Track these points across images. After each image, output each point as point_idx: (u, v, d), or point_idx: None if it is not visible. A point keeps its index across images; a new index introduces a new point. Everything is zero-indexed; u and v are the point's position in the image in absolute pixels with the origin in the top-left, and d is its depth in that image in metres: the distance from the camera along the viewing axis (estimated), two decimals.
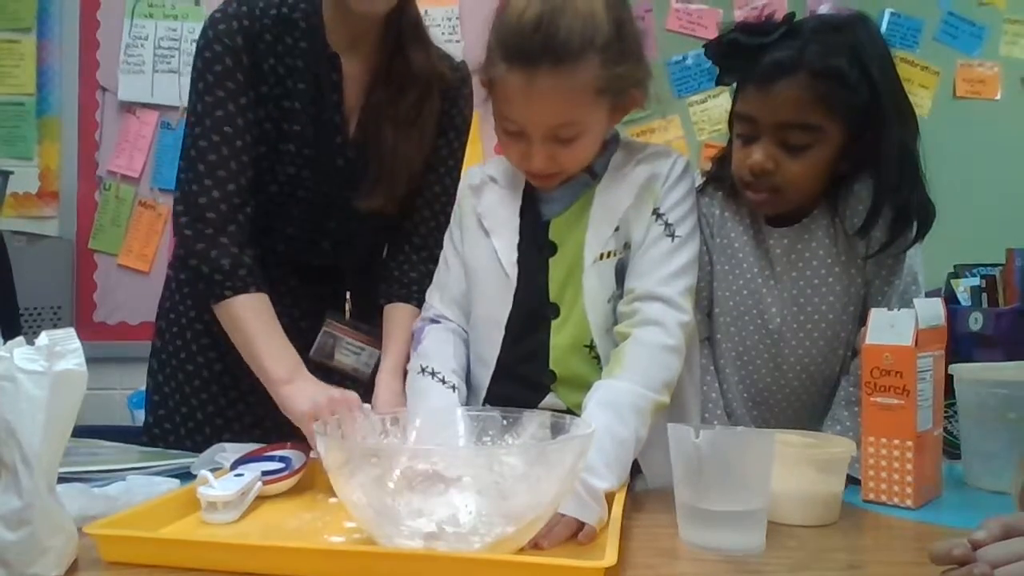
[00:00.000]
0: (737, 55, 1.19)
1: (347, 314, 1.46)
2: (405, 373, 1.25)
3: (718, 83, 1.33)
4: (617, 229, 1.15)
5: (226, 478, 0.98)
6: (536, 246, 1.18)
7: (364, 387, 1.39)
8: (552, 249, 1.18)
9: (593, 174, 1.19)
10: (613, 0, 1.08)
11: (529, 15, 1.04)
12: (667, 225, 1.15)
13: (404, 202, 1.38)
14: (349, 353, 1.38)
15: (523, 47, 1.04)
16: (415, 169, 1.35)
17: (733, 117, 1.24)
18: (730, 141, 1.28)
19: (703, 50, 1.27)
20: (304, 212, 1.35)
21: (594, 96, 1.08)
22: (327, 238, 1.38)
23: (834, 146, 1.18)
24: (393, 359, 1.28)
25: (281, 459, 1.08)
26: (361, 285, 1.47)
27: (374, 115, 1.33)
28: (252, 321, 1.23)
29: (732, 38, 1.19)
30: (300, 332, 1.35)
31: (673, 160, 1.19)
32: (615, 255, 1.15)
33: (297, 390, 1.16)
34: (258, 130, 1.29)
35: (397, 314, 1.35)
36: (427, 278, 1.33)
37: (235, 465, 1.05)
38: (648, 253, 1.14)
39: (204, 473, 0.96)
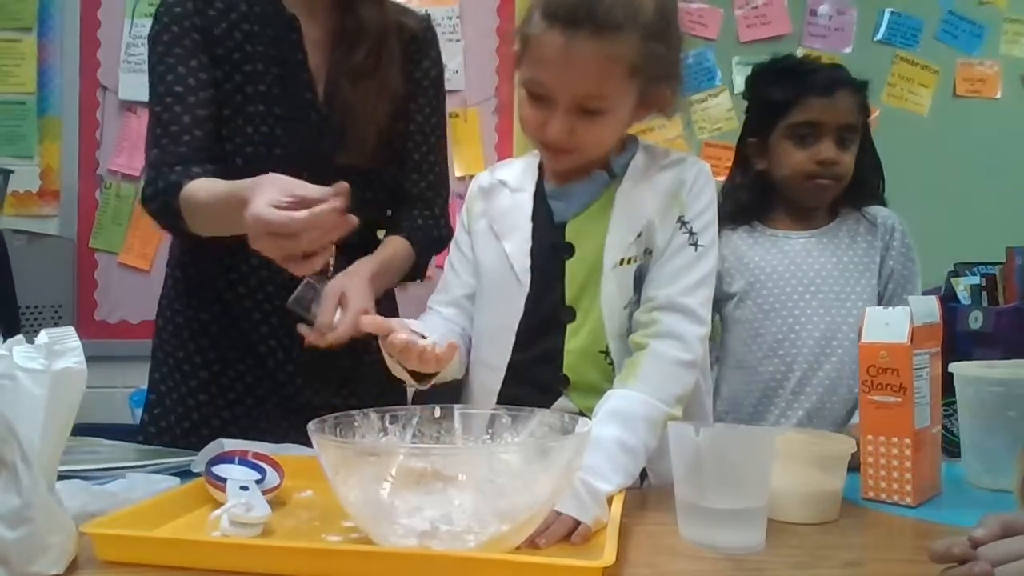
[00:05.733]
0: (791, 77, 1.53)
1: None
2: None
3: (751, 109, 1.61)
4: (639, 235, 1.14)
5: (236, 491, 0.94)
6: (551, 247, 1.17)
7: (365, 347, 1.34)
8: (569, 250, 1.16)
9: (612, 173, 1.17)
10: None
11: None
12: (691, 234, 1.14)
13: (384, 156, 1.38)
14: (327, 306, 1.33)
15: (567, 8, 1.03)
16: (381, 122, 1.35)
17: (786, 130, 1.51)
18: (734, 173, 1.62)
19: (746, 79, 1.65)
20: (287, 173, 1.30)
21: (628, 74, 1.07)
22: None
23: (857, 147, 1.52)
24: (370, 265, 1.27)
25: (254, 466, 1.03)
26: (349, 257, 1.43)
27: (336, 74, 1.34)
28: (214, 183, 1.21)
29: (790, 61, 1.59)
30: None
31: (698, 167, 1.18)
32: (635, 261, 1.14)
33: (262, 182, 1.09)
34: (217, 91, 1.30)
35: (387, 239, 1.37)
36: (423, 229, 1.36)
37: (209, 467, 1.00)
38: (671, 262, 1.13)
39: (235, 494, 0.93)
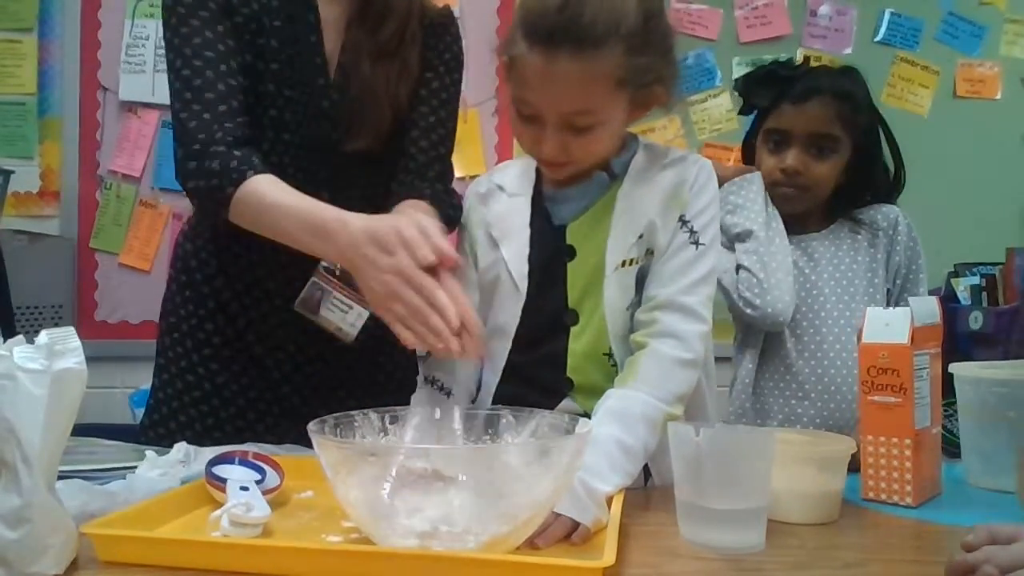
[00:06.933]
0: (770, 83, 1.52)
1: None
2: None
3: (742, 112, 1.62)
4: (641, 236, 1.13)
5: (236, 492, 0.94)
6: (552, 251, 1.16)
7: (372, 358, 1.34)
8: (571, 253, 1.16)
9: (612, 174, 1.17)
10: None
11: None
12: (692, 232, 1.14)
13: (396, 143, 1.34)
14: (335, 310, 1.27)
15: (546, 27, 1.02)
16: (400, 103, 1.31)
17: (762, 135, 1.53)
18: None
19: (734, 84, 1.63)
20: (294, 159, 1.30)
21: (614, 86, 1.06)
22: (324, 187, 1.29)
23: (844, 158, 1.49)
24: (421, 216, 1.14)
25: (254, 466, 1.03)
26: None
27: (353, 53, 1.30)
28: (287, 191, 1.12)
29: (770, 68, 1.54)
30: (304, 325, 1.30)
31: (699, 165, 1.18)
32: (637, 262, 1.13)
33: (355, 217, 1.05)
34: (240, 59, 1.24)
35: (401, 204, 1.27)
36: (427, 191, 1.29)
37: (209, 467, 1.00)
38: (672, 261, 1.13)
39: (235, 494, 0.93)
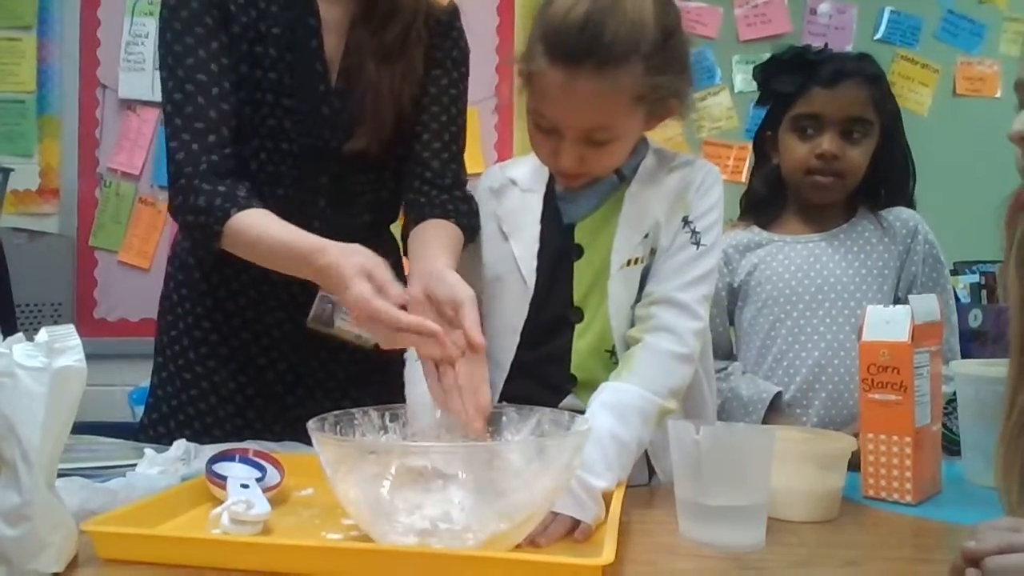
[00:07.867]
0: (796, 68, 1.47)
1: None
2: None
3: (760, 103, 1.59)
4: (646, 236, 1.14)
5: (236, 489, 0.95)
6: (560, 249, 1.17)
7: (366, 356, 1.29)
8: (578, 252, 1.17)
9: (621, 176, 1.18)
10: (664, 8, 1.06)
11: (576, 13, 1.01)
12: (694, 233, 1.14)
13: (396, 148, 1.31)
14: (349, 318, 1.25)
15: (567, 45, 1.02)
16: (403, 105, 1.29)
17: (789, 122, 1.48)
18: (754, 169, 1.63)
19: (752, 71, 1.59)
20: (292, 168, 1.28)
21: (632, 102, 1.06)
22: (322, 196, 1.30)
23: (873, 144, 1.46)
24: (445, 259, 1.11)
25: (254, 464, 1.02)
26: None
27: (357, 54, 1.27)
28: (272, 223, 1.12)
29: (796, 51, 1.50)
30: (298, 325, 1.29)
31: (707, 169, 1.19)
32: (641, 262, 1.14)
33: (340, 251, 1.03)
34: (235, 75, 1.23)
35: (427, 226, 1.22)
36: (449, 205, 1.26)
37: (209, 464, 1.00)
38: (671, 259, 1.14)
39: (236, 492, 0.93)
